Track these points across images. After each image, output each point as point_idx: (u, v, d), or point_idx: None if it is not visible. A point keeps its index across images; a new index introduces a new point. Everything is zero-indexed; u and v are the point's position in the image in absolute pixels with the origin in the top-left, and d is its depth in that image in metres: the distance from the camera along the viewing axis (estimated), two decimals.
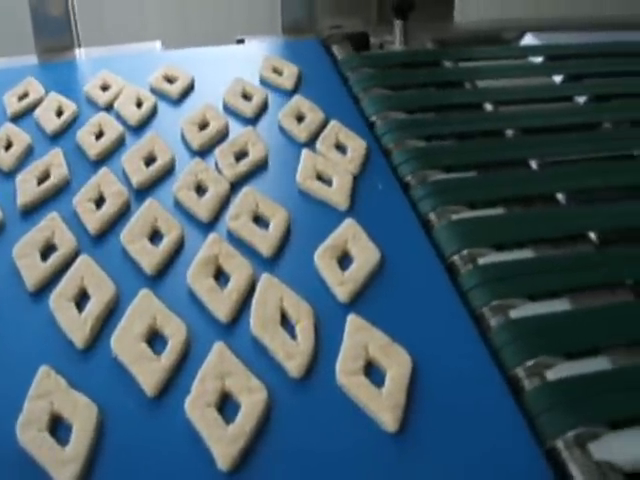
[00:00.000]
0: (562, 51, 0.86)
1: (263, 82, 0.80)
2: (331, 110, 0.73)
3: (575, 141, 0.70)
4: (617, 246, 0.57)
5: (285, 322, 0.49)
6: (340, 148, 0.68)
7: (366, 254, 0.55)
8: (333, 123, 0.70)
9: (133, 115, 0.73)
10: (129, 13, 1.46)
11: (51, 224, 0.58)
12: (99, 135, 0.69)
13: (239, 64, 0.84)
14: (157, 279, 0.54)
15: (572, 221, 0.59)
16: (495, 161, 0.67)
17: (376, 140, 0.69)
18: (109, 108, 0.74)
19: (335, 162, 0.65)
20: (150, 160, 0.66)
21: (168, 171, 0.65)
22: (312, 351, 0.47)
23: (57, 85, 0.78)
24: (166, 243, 0.56)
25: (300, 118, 0.72)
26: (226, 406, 0.44)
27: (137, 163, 0.65)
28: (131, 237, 0.56)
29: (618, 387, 0.45)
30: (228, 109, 0.75)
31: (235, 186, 0.63)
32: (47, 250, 0.56)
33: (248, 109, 0.74)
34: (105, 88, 0.78)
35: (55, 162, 0.65)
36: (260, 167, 0.66)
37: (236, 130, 0.71)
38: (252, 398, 0.44)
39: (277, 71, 0.81)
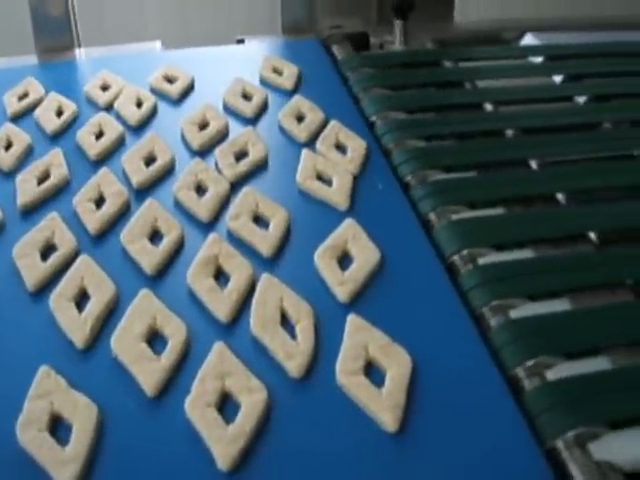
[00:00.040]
0: (562, 51, 0.86)
1: (263, 82, 0.80)
2: (331, 110, 0.73)
3: (575, 141, 0.70)
4: (617, 246, 0.57)
5: (285, 322, 0.49)
6: (340, 148, 0.68)
7: (366, 254, 0.55)
8: (333, 123, 0.70)
9: (133, 115, 0.73)
10: (129, 13, 1.46)
11: (51, 224, 0.58)
12: (99, 135, 0.69)
13: (239, 64, 0.84)
14: (157, 279, 0.54)
15: (572, 221, 0.59)
16: (495, 161, 0.67)
17: (376, 140, 0.69)
18: (109, 108, 0.74)
19: (335, 162, 0.65)
20: (150, 160, 0.66)
21: (168, 171, 0.65)
22: (312, 351, 0.47)
23: (57, 85, 0.78)
24: (166, 243, 0.56)
25: (300, 118, 0.72)
26: (226, 406, 0.44)
27: (137, 163, 0.65)
28: (131, 237, 0.56)
29: (618, 387, 0.45)
30: (228, 109, 0.75)
31: (235, 186, 0.63)
32: (47, 250, 0.56)
33: (248, 109, 0.74)
34: (105, 88, 0.77)
35: (55, 162, 0.65)
36: (260, 167, 0.66)
37: (236, 130, 0.71)
38: (252, 398, 0.44)
39: (277, 71, 0.81)
